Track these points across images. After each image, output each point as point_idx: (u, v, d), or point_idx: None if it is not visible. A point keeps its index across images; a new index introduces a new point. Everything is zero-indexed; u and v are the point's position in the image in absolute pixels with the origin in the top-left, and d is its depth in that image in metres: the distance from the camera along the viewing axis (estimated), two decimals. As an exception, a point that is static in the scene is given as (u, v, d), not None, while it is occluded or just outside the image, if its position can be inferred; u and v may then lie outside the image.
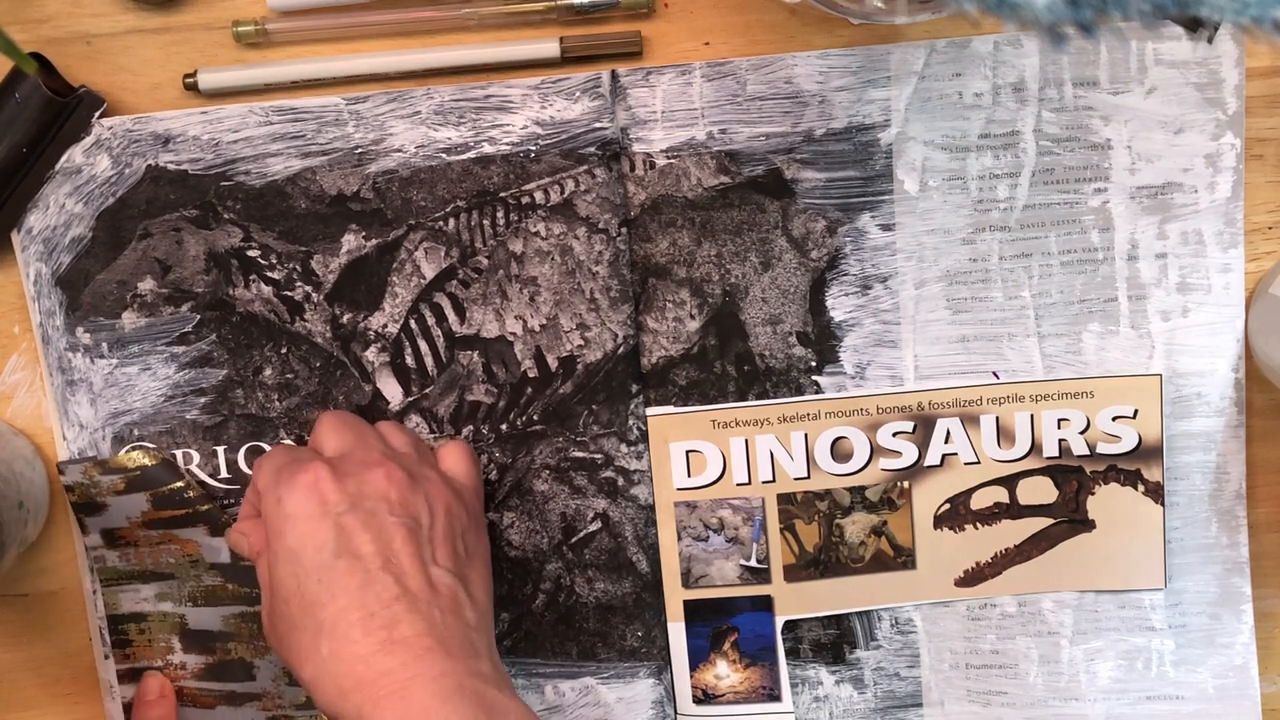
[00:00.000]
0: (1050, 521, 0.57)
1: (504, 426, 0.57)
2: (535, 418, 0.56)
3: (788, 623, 0.58)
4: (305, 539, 0.48)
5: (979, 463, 0.57)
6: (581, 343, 0.56)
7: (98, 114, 0.54)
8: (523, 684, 0.58)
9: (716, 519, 0.57)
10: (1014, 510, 0.57)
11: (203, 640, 0.58)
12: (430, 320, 0.56)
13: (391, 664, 0.45)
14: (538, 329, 0.56)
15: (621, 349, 0.56)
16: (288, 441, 0.57)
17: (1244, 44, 0.53)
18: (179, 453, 0.56)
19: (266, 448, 0.57)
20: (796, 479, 0.57)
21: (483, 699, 0.45)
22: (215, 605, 0.57)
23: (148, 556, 0.57)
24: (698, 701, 0.59)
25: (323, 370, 0.56)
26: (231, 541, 0.52)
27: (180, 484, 0.56)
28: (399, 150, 0.54)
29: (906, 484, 0.57)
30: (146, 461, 0.56)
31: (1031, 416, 0.56)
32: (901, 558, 0.58)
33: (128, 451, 0.56)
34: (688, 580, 0.58)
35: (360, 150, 0.55)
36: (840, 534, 0.57)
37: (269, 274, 0.56)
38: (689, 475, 0.57)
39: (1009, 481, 0.57)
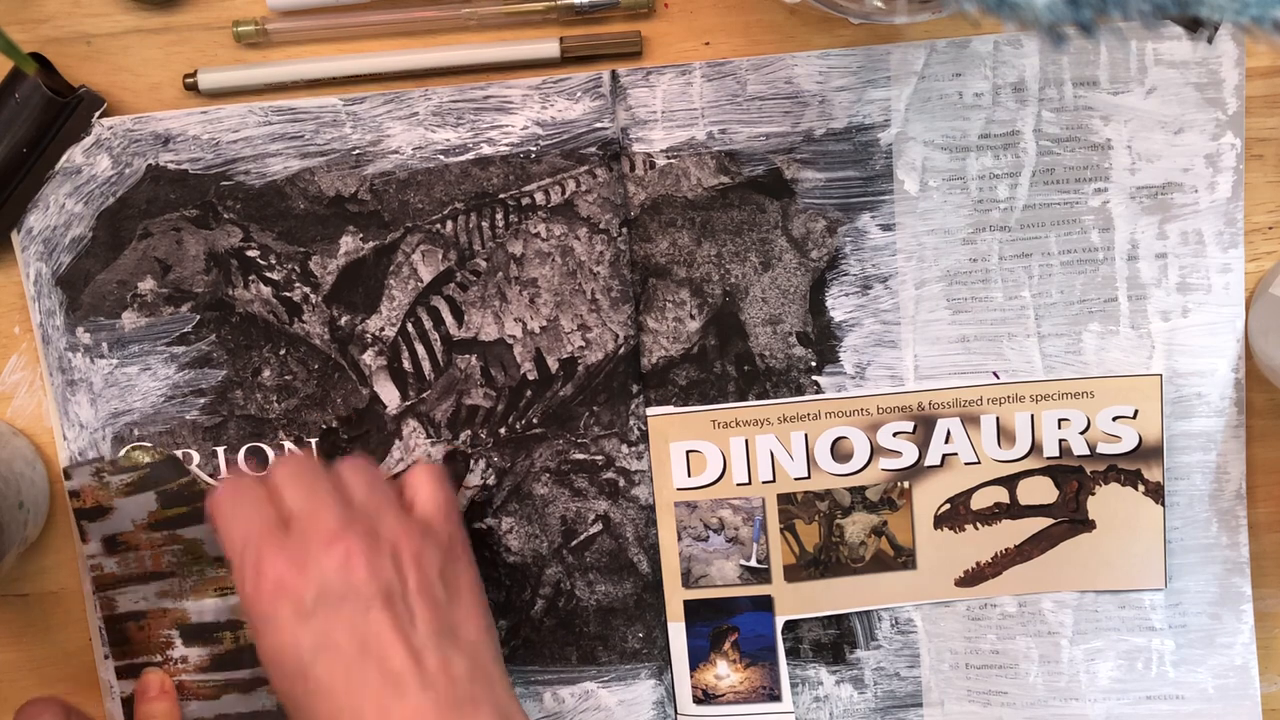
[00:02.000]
0: (1050, 521, 0.57)
1: (503, 430, 0.56)
2: (535, 421, 0.56)
3: (788, 623, 0.58)
4: (283, 646, 0.47)
5: (979, 463, 0.57)
6: (583, 344, 0.56)
7: (98, 114, 0.54)
8: (521, 692, 0.58)
9: (717, 519, 0.57)
10: (1014, 510, 0.57)
11: (206, 632, 0.58)
12: (428, 324, 0.56)
13: None
14: (538, 331, 0.56)
15: (622, 349, 0.56)
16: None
17: (1244, 44, 0.53)
18: (179, 453, 0.57)
19: (266, 449, 0.57)
20: (796, 479, 0.57)
21: None
22: (221, 596, 0.57)
23: (148, 559, 0.57)
24: (698, 701, 0.59)
25: (321, 372, 0.56)
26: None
27: (187, 479, 0.56)
28: (396, 152, 0.54)
29: (907, 484, 0.57)
30: (151, 459, 0.56)
31: (1032, 416, 0.56)
32: (902, 558, 0.58)
33: (131, 450, 0.56)
34: (688, 580, 0.58)
35: (358, 151, 0.55)
36: (840, 534, 0.57)
37: (268, 274, 0.56)
38: (689, 475, 0.57)
39: (1009, 481, 0.57)
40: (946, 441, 0.57)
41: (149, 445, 0.56)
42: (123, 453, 0.56)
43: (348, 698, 0.46)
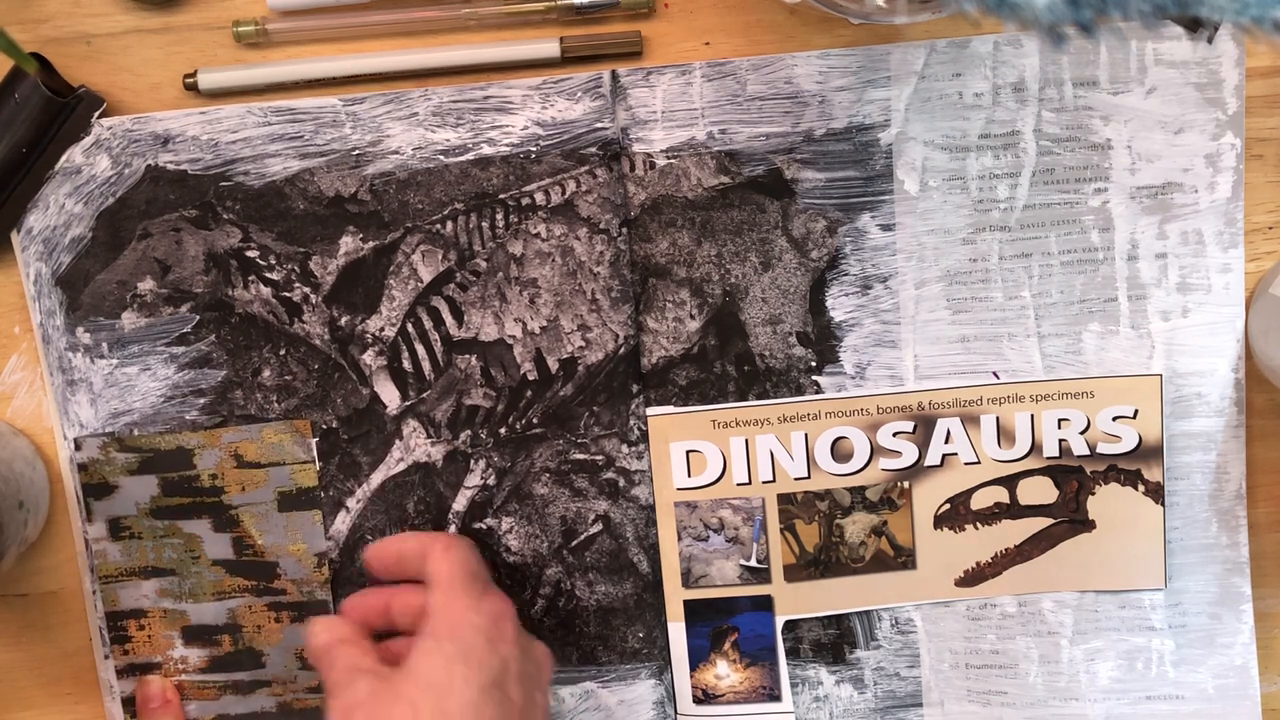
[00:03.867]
0: (1050, 521, 0.57)
1: (503, 430, 0.56)
2: (535, 421, 0.56)
3: (788, 622, 0.58)
4: (480, 650, 0.49)
5: (979, 463, 0.57)
6: (583, 344, 0.56)
7: (97, 114, 0.54)
8: (521, 691, 0.58)
9: (717, 519, 0.57)
10: (1014, 510, 0.57)
11: (205, 634, 0.58)
12: (427, 324, 0.56)
13: None
14: (538, 331, 0.56)
15: (623, 349, 0.56)
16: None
17: (1244, 44, 0.53)
18: (189, 444, 0.57)
19: (266, 448, 0.57)
20: (796, 479, 0.57)
21: None
22: (219, 600, 0.57)
23: (150, 550, 0.57)
24: (698, 701, 0.59)
25: (321, 373, 0.56)
26: (311, 632, 0.53)
27: (192, 471, 0.56)
28: (395, 152, 0.54)
29: (907, 484, 0.57)
30: (160, 446, 0.56)
31: (1032, 416, 0.56)
32: (901, 558, 0.58)
33: (141, 436, 0.56)
34: (688, 580, 0.58)
35: (358, 152, 0.55)
36: (840, 534, 0.57)
37: (268, 275, 0.56)
38: (689, 475, 0.57)
39: (1009, 481, 0.57)
40: (946, 441, 0.57)
41: (161, 434, 0.56)
42: (134, 431, 0.56)
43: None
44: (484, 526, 0.57)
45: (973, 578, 0.58)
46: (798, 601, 0.58)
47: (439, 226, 0.55)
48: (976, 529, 0.57)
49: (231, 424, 0.56)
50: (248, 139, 0.55)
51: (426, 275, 0.55)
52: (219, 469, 0.57)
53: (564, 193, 0.55)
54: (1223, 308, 0.55)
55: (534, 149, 0.55)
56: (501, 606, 0.51)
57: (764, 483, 0.57)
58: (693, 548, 0.57)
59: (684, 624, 0.58)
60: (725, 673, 0.58)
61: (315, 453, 0.57)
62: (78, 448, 0.56)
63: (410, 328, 0.56)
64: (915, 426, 0.57)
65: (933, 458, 0.57)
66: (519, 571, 0.58)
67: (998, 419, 0.56)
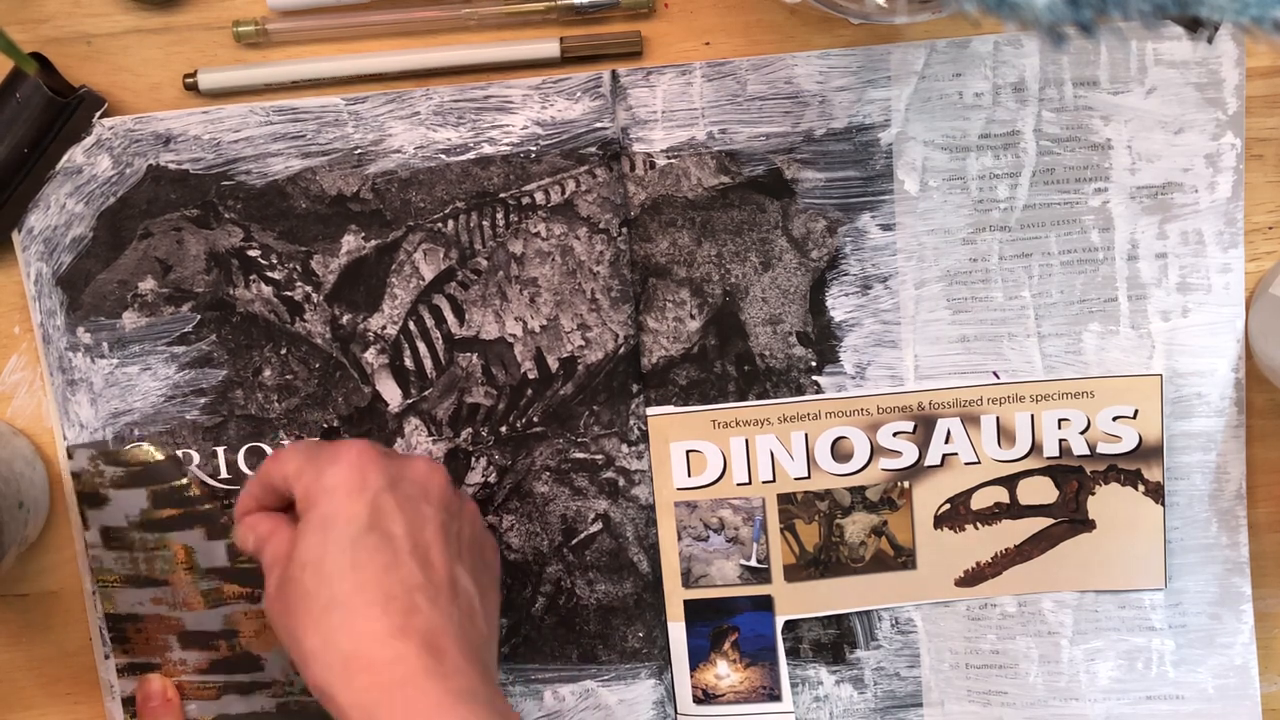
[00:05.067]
0: (1050, 521, 0.57)
1: (503, 429, 0.56)
2: (535, 419, 0.56)
3: (788, 622, 0.58)
4: (340, 509, 0.47)
5: (979, 463, 0.57)
6: (583, 343, 0.56)
7: (98, 114, 0.54)
8: (521, 690, 0.58)
9: (717, 519, 0.57)
10: (1014, 510, 0.57)
11: (202, 640, 0.58)
12: (429, 322, 0.56)
13: (406, 650, 0.44)
14: (538, 330, 0.56)
15: (623, 349, 0.56)
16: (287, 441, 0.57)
17: (1244, 44, 0.53)
18: (179, 453, 0.57)
19: (266, 449, 0.57)
20: (797, 479, 0.57)
21: (495, 708, 0.44)
22: (215, 607, 0.57)
23: (142, 563, 0.57)
24: (698, 701, 0.59)
25: (322, 371, 0.56)
26: (238, 536, 0.51)
27: (183, 481, 0.56)
28: (398, 151, 0.55)
29: (907, 484, 0.57)
30: (150, 459, 0.56)
31: (1032, 416, 0.56)
32: (902, 558, 0.58)
33: (134, 448, 0.56)
34: (688, 580, 0.58)
35: (360, 151, 0.55)
36: (840, 534, 0.57)
37: (269, 274, 0.56)
38: (689, 475, 0.57)
39: (1009, 481, 0.57)
40: (946, 441, 0.57)
41: (152, 447, 0.56)
42: (127, 446, 0.56)
43: (384, 580, 0.46)
44: (485, 522, 0.57)
45: (973, 578, 0.58)
46: (798, 601, 0.58)
47: (440, 225, 0.55)
48: (976, 529, 0.57)
49: (232, 423, 0.56)
50: (249, 138, 0.55)
51: (428, 273, 0.55)
52: (215, 474, 0.56)
53: (564, 192, 0.55)
54: (1223, 308, 0.55)
55: (534, 148, 0.55)
56: (354, 451, 0.49)
57: (764, 483, 0.57)
58: (693, 547, 0.57)
59: (684, 624, 0.58)
60: (725, 673, 0.58)
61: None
62: (70, 456, 0.56)
63: (412, 326, 0.56)
64: (915, 426, 0.57)
65: (933, 458, 0.57)
66: (519, 569, 0.58)
67: (998, 419, 0.56)
